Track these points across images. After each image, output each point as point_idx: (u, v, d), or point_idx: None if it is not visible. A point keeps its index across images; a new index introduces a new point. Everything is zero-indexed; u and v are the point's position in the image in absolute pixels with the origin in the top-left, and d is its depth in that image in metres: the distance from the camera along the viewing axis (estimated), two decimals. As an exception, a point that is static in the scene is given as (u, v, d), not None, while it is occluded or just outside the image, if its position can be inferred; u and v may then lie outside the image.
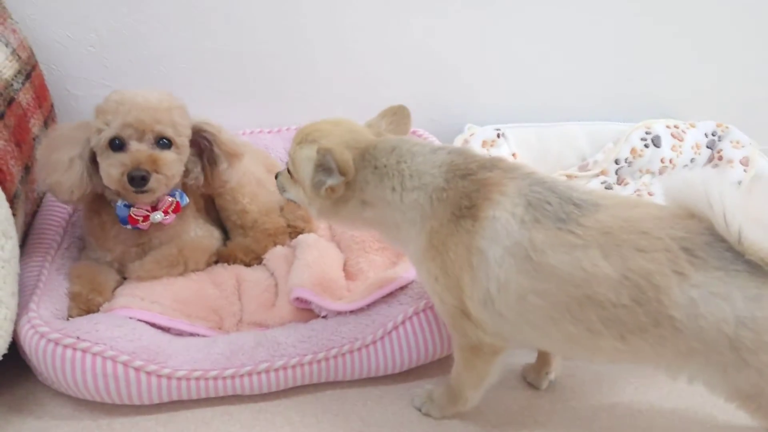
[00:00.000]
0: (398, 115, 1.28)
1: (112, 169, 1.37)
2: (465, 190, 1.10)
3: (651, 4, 2.18)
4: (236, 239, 1.67)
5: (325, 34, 2.02)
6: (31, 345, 1.25)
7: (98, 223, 1.52)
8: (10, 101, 1.49)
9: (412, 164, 1.15)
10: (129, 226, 1.48)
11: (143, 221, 1.48)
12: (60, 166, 1.40)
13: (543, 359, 1.38)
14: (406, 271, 1.50)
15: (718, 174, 0.95)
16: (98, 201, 1.51)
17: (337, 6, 1.98)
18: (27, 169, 1.52)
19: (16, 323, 1.27)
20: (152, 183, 1.38)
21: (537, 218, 1.04)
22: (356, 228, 1.57)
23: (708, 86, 2.38)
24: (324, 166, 1.14)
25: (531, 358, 1.42)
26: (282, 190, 1.33)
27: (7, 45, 1.58)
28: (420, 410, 1.33)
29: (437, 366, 1.43)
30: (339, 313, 1.42)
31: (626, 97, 2.32)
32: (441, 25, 2.09)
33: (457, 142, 2.15)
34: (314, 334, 1.37)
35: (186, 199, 1.55)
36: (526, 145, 2.19)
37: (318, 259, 1.55)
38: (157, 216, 1.48)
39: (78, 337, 1.24)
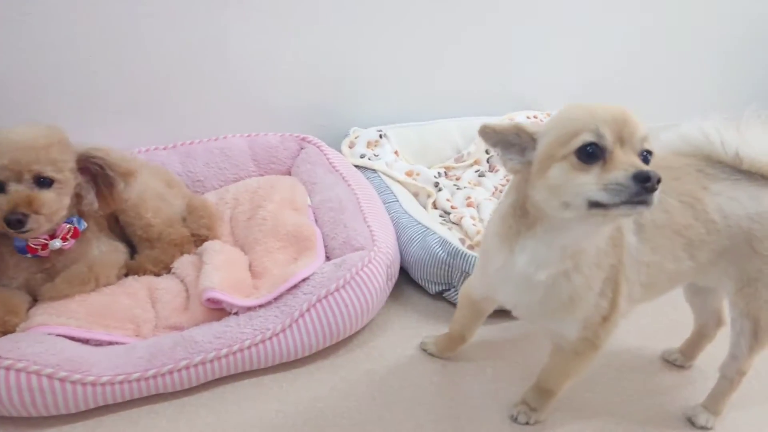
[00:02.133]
0: None
1: None
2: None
3: (507, 17, 2.45)
4: (144, 252, 1.71)
5: (213, 47, 2.08)
6: (-48, 370, 1.27)
7: None
8: None
9: None
10: (29, 255, 1.49)
11: (42, 249, 1.49)
12: None
13: (459, 336, 1.56)
14: (306, 266, 1.63)
15: (704, 120, 1.27)
16: None
17: (224, 20, 2.05)
18: None
19: (-66, 352, 1.28)
20: (31, 224, 1.38)
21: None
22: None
23: (557, 81, 2.69)
24: None
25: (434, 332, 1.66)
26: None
27: None
28: (517, 420, 1.42)
29: (341, 345, 1.61)
30: (249, 309, 1.53)
31: (491, 93, 2.57)
32: (325, 39, 2.22)
33: (344, 145, 2.30)
34: (228, 329, 1.47)
35: (84, 224, 1.56)
36: (407, 142, 2.37)
37: (225, 262, 1.65)
38: (56, 243, 1.49)
39: (0, 356, 1.29)
